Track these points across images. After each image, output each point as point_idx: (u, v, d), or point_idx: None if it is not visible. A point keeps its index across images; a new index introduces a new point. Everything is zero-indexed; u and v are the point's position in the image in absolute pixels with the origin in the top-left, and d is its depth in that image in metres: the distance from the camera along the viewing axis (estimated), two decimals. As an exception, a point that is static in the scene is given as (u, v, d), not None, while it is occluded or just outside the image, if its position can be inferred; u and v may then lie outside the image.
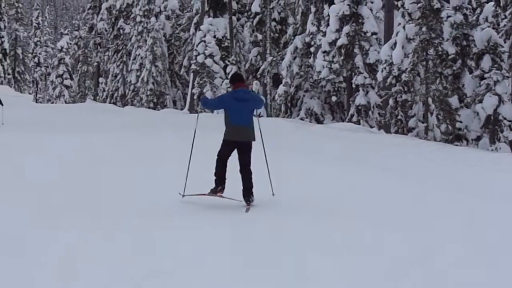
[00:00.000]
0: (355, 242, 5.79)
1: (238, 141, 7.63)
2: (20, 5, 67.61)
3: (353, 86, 24.90)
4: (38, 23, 72.98)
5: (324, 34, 25.66)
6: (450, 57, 19.26)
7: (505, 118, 17.87)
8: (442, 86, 19.36)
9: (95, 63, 54.02)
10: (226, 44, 37.08)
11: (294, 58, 28.29)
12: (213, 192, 7.74)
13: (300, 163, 12.08)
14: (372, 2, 24.91)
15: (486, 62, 18.60)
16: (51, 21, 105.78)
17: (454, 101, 19.30)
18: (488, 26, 19.22)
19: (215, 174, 7.74)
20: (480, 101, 18.30)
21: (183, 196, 7.87)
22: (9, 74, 61.25)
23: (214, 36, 36.33)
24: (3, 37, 58.38)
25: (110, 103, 46.35)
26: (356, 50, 24.67)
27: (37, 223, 6.29)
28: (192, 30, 41.69)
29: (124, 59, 47.74)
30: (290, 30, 31.84)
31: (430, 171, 11.69)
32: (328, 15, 25.39)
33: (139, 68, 43.83)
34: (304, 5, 30.00)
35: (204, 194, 7.79)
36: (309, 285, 4.53)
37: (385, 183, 9.93)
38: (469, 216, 7.39)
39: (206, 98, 8.29)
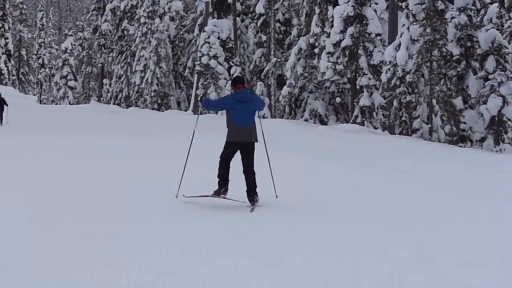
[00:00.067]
0: (358, 242, 5.79)
1: (240, 142, 7.64)
2: (25, 7, 67.79)
3: (357, 87, 24.91)
4: (43, 24, 73.28)
5: (328, 35, 25.67)
6: (454, 58, 19.27)
7: (509, 119, 17.87)
8: (446, 87, 19.36)
9: (99, 64, 54.18)
10: (230, 45, 37.09)
11: (298, 59, 28.32)
12: (217, 193, 7.75)
13: (304, 164, 12.10)
14: (376, 3, 24.89)
15: (490, 63, 18.59)
16: (55, 22, 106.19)
17: (458, 102, 19.30)
18: (493, 27, 19.20)
19: (218, 176, 7.75)
20: (485, 102, 18.29)
21: (186, 197, 7.88)
22: (13, 75, 61.46)
23: (218, 37, 36.35)
24: (7, 38, 58.59)
25: (114, 104, 46.46)
26: (361, 51, 24.68)
27: (37, 223, 6.31)
28: (196, 31, 41.78)
29: (128, 60, 47.87)
30: (294, 31, 31.85)
31: (434, 172, 11.68)
32: (333, 16, 25.41)
33: (143, 69, 43.92)
34: (309, 6, 30.02)
35: (208, 196, 7.79)
36: (312, 285, 4.54)
37: (389, 184, 9.94)
38: (473, 217, 7.38)
39: (207, 99, 8.31)
